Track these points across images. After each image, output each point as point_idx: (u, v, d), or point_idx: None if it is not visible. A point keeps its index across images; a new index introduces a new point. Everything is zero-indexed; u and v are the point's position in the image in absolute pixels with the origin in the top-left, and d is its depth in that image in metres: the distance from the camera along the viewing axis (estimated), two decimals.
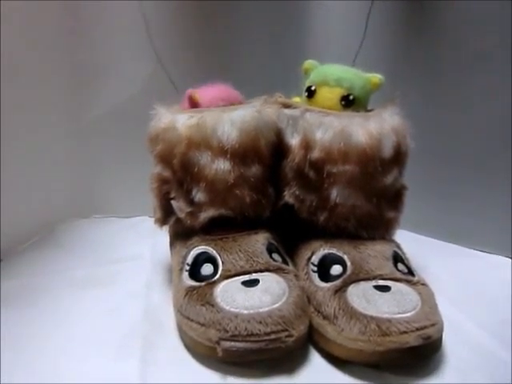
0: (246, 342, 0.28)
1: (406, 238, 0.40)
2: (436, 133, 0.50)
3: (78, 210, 0.58)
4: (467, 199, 0.50)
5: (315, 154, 0.34)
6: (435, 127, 0.50)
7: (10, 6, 0.45)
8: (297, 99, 0.40)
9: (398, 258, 0.35)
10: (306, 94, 0.39)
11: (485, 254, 0.50)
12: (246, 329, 0.28)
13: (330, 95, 0.38)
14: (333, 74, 0.38)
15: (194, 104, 0.37)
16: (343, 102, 0.37)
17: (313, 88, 0.38)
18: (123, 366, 0.31)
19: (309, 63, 0.40)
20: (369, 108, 0.39)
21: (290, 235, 0.38)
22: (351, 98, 0.37)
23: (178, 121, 0.34)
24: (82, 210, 0.58)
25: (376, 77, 0.39)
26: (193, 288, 0.32)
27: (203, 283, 0.32)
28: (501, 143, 0.47)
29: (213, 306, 0.30)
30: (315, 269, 0.35)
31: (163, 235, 0.42)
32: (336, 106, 0.37)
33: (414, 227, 0.53)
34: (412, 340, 0.28)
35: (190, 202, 0.35)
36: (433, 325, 0.29)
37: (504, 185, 0.47)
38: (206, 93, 0.38)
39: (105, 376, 0.30)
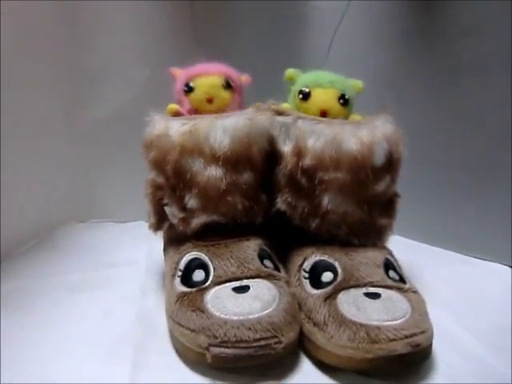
0: (235, 348, 0.28)
1: (401, 245, 0.40)
2: (434, 139, 0.50)
3: (76, 215, 0.58)
4: (465, 206, 0.50)
5: (307, 161, 0.35)
6: (433, 134, 0.50)
7: (10, 8, 0.46)
8: (286, 105, 0.40)
9: (389, 266, 0.35)
10: (301, 96, 0.39)
11: (480, 260, 0.50)
12: (235, 335, 0.28)
13: (325, 96, 0.38)
14: (324, 77, 0.39)
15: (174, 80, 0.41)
16: (341, 101, 0.38)
17: (307, 90, 0.39)
18: (114, 369, 0.31)
19: (292, 72, 0.41)
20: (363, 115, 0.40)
21: (282, 242, 0.39)
22: (347, 97, 0.38)
23: (171, 128, 0.35)
24: (80, 214, 0.59)
25: (358, 82, 0.40)
26: (184, 294, 0.32)
27: (194, 289, 0.32)
28: (499, 149, 0.47)
29: (203, 312, 0.30)
30: (307, 275, 0.35)
31: (158, 240, 0.42)
32: (335, 106, 0.38)
33: (410, 234, 0.53)
34: (401, 347, 0.28)
35: (183, 208, 0.36)
36: (422, 332, 0.30)
37: (502, 191, 0.47)
38: (186, 70, 0.40)
39: (95, 379, 0.30)
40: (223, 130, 0.34)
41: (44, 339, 0.34)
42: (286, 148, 0.36)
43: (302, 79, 0.40)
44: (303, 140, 0.35)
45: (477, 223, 0.50)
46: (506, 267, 0.48)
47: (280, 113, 0.37)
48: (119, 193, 0.58)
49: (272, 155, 0.37)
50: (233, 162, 0.34)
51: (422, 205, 0.51)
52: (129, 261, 0.47)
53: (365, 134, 0.34)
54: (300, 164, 0.35)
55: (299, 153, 0.35)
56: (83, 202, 0.59)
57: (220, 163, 0.34)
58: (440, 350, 0.32)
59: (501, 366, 0.32)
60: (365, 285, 0.32)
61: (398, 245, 0.39)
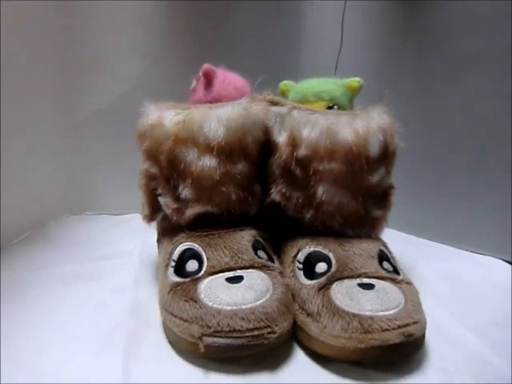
0: (228, 338, 0.28)
1: (397, 239, 0.40)
2: (432, 133, 0.50)
3: (70, 207, 0.58)
4: (463, 200, 0.50)
5: (302, 152, 0.35)
6: (432, 127, 0.50)
7: (5, 5, 0.45)
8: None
9: (383, 257, 0.35)
10: None
11: (475, 254, 0.50)
12: (228, 325, 0.28)
13: None
14: (311, 89, 0.38)
15: (208, 81, 0.38)
16: None
17: None
18: (107, 360, 0.31)
19: (284, 84, 0.41)
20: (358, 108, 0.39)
21: (276, 233, 0.38)
22: (336, 108, 0.38)
23: (165, 117, 0.35)
24: (74, 206, 0.58)
25: (354, 80, 0.39)
26: (177, 284, 0.32)
27: (188, 279, 0.32)
28: (497, 142, 0.47)
29: (196, 302, 0.30)
30: (301, 266, 0.35)
31: (153, 233, 0.42)
32: None
33: (406, 227, 0.53)
34: (393, 337, 0.28)
35: (177, 198, 0.35)
36: (415, 323, 0.29)
37: (501, 185, 0.47)
38: (222, 74, 0.38)
39: (88, 369, 0.30)
40: (217, 119, 0.34)
41: (37, 330, 0.34)
42: (281, 138, 0.35)
43: (292, 94, 0.40)
44: (298, 130, 0.35)
45: (474, 217, 0.50)
46: (502, 262, 0.48)
47: (275, 103, 0.37)
48: (113, 185, 0.58)
49: (266, 145, 0.36)
50: (227, 152, 0.34)
51: (419, 198, 0.52)
52: (122, 253, 0.47)
53: (360, 125, 0.34)
54: (295, 154, 0.35)
55: (294, 143, 0.35)
56: (77, 194, 0.58)
57: (214, 153, 0.34)
58: (433, 341, 0.32)
59: (494, 359, 0.32)
60: (359, 276, 0.32)
61: (394, 239, 0.39)
